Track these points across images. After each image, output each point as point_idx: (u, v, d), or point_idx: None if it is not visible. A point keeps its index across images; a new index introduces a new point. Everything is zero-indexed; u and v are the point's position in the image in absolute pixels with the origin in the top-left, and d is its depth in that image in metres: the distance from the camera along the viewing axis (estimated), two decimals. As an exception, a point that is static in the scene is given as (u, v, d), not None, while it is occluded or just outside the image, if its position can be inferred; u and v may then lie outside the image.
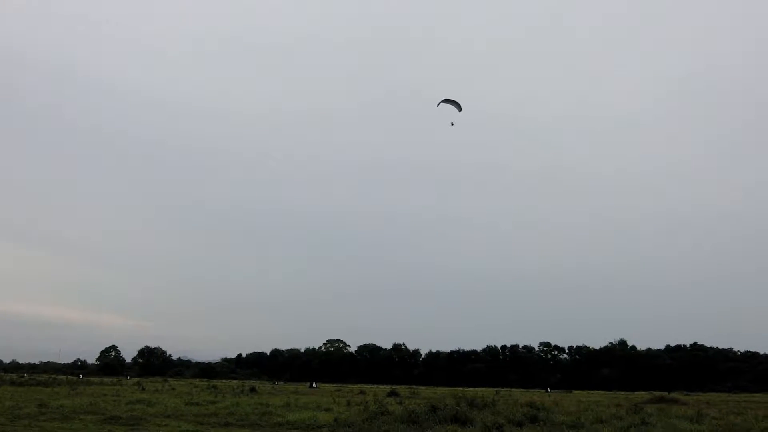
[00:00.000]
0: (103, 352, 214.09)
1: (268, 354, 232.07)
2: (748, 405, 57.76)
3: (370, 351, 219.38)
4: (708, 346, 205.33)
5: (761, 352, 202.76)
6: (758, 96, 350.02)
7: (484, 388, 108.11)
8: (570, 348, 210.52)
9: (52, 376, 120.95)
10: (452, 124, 50.33)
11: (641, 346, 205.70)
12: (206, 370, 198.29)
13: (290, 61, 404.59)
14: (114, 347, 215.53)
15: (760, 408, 50.96)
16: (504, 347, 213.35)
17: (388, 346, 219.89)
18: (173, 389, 70.24)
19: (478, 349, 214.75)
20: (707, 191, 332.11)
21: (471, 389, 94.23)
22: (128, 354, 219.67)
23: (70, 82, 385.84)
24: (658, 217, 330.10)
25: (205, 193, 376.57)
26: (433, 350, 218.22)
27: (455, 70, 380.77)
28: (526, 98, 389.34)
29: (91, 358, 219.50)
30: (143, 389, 67.70)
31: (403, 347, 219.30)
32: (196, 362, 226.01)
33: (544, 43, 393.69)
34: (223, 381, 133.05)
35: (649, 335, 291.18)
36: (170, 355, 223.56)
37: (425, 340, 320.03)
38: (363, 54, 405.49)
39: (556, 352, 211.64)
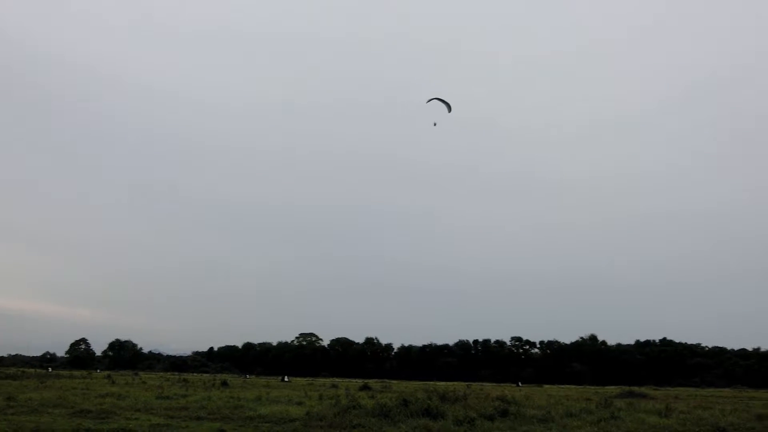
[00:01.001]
0: (72, 345, 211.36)
1: (240, 348, 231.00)
2: (715, 400, 58.68)
3: (342, 345, 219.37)
4: (677, 341, 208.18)
5: (728, 348, 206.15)
6: (734, 105, 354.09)
7: (456, 382, 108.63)
8: (541, 343, 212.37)
9: (21, 369, 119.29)
10: (435, 124, 50.28)
11: (611, 342, 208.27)
12: (177, 364, 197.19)
13: (278, 54, 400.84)
14: (84, 340, 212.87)
15: (727, 403, 51.77)
16: (476, 342, 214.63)
17: (360, 340, 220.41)
18: (144, 383, 69.65)
19: (451, 343, 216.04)
20: (679, 196, 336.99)
21: (443, 383, 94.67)
22: (98, 347, 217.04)
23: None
24: (630, 219, 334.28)
25: (178, 182, 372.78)
26: (406, 344, 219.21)
27: (442, 71, 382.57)
28: (506, 104, 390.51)
29: (61, 351, 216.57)
30: (113, 383, 67.08)
31: (375, 341, 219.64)
32: (167, 356, 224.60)
33: (530, 49, 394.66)
34: (195, 374, 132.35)
35: (619, 331, 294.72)
36: (141, 348, 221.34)
37: (398, 335, 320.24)
38: (349, 49, 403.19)
39: (527, 347, 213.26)
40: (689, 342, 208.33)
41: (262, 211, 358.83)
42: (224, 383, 68.19)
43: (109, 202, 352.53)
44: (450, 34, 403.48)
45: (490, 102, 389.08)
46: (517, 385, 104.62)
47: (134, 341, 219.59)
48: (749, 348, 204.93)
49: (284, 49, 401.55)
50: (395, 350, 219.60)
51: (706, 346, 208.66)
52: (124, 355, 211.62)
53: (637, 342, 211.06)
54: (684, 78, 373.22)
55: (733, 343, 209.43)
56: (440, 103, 48.67)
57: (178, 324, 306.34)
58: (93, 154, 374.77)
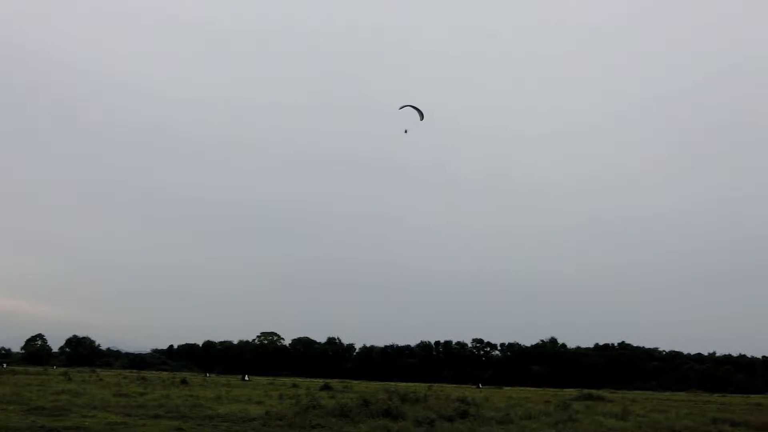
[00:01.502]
0: (28, 340, 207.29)
1: (201, 346, 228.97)
2: (671, 403, 59.62)
3: (304, 344, 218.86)
4: (635, 345, 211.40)
5: (684, 352, 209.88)
6: (707, 115, 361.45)
7: (417, 383, 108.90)
8: (502, 345, 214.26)
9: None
10: (405, 132, 50.36)
11: (571, 345, 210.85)
12: (136, 361, 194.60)
13: (241, 49, 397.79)
14: (40, 336, 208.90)
15: (683, 406, 52.69)
16: (437, 343, 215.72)
17: (322, 339, 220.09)
18: (101, 380, 68.75)
19: (412, 344, 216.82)
20: (638, 202, 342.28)
21: (404, 384, 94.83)
22: (55, 343, 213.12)
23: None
24: (591, 225, 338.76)
25: (132, 175, 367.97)
26: (368, 345, 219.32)
27: (406, 71, 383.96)
28: (471, 105, 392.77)
29: (16, 347, 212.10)
30: (70, 379, 66.01)
31: (337, 341, 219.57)
32: (125, 353, 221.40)
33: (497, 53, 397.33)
34: (154, 372, 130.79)
35: (578, 334, 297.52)
36: (99, 345, 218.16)
37: (360, 335, 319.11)
38: (316, 47, 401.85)
39: (488, 349, 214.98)
40: (647, 346, 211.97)
41: (224, 208, 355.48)
42: (183, 381, 67.59)
43: (62, 197, 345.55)
44: (416, 34, 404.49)
45: (456, 102, 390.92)
46: (478, 387, 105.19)
47: (92, 338, 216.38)
48: (705, 353, 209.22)
49: (244, 43, 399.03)
50: (357, 350, 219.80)
51: (663, 351, 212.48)
52: (81, 352, 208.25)
53: (596, 345, 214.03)
54: (646, 87, 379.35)
55: (689, 348, 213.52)
56: (413, 110, 48.75)
57: (137, 321, 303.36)
58: (44, 154, 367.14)
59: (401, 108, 48.90)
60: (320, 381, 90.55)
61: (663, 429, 29.91)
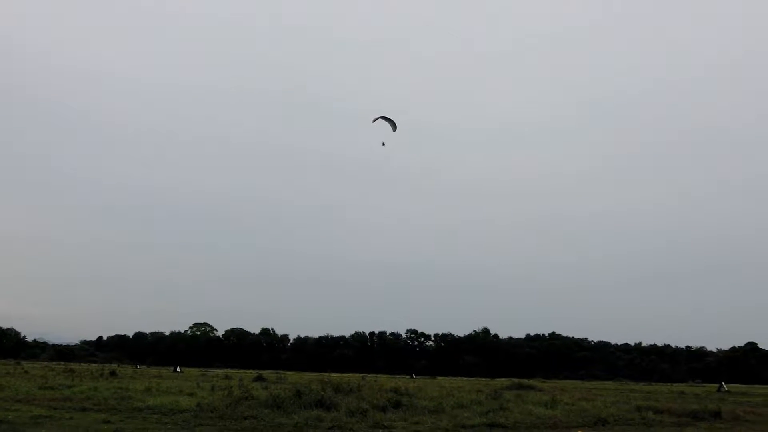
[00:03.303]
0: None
1: (131, 337, 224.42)
2: (598, 392, 61.24)
3: (237, 335, 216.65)
4: (564, 335, 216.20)
5: (612, 342, 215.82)
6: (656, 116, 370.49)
7: (351, 374, 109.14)
8: (436, 335, 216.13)
9: None
10: (383, 144, 50.11)
11: (503, 335, 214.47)
12: (63, 353, 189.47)
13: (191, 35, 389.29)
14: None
15: (610, 395, 54.20)
16: (372, 333, 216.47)
17: (256, 330, 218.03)
18: (26, 372, 66.70)
19: (347, 335, 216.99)
20: (575, 200, 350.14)
21: (338, 374, 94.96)
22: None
23: None
24: (526, 221, 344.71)
25: (54, 161, 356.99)
26: (302, 335, 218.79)
27: (350, 64, 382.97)
28: (416, 100, 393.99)
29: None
30: (-7, 372, 64.09)
31: (271, 332, 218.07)
32: (52, 344, 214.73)
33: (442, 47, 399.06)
34: (82, 364, 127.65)
35: (510, 324, 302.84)
36: (24, 336, 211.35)
37: (294, 325, 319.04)
38: (259, 37, 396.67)
39: (422, 339, 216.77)
40: (576, 336, 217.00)
41: (157, 196, 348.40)
42: (113, 373, 66.21)
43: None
44: (363, 27, 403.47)
45: (401, 97, 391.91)
46: (411, 377, 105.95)
47: (17, 329, 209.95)
48: (631, 343, 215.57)
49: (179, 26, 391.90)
50: (291, 341, 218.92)
51: (592, 341, 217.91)
52: (5, 344, 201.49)
53: (528, 336, 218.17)
54: (593, 89, 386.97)
55: (616, 338, 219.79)
56: (385, 122, 48.59)
57: (65, 312, 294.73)
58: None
59: (374, 120, 48.72)
60: (254, 372, 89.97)
61: (590, 417, 30.68)
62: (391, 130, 48.73)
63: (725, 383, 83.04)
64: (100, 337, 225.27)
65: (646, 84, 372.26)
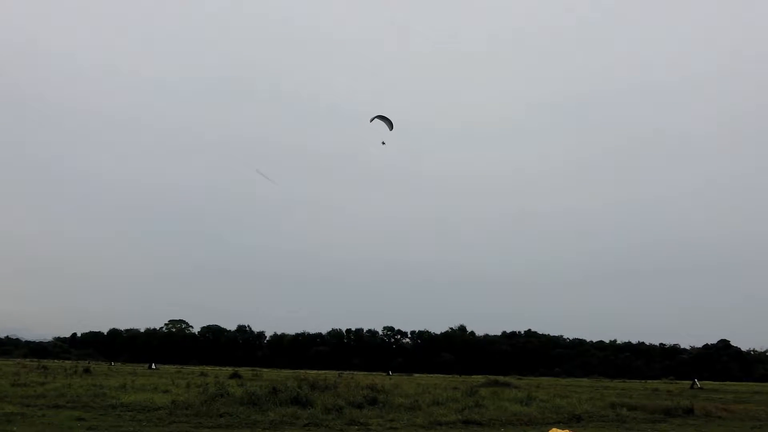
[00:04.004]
0: None
1: (106, 334, 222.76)
2: (573, 389, 61.65)
3: (213, 332, 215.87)
4: (540, 333, 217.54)
5: (587, 340, 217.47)
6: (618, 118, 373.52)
7: (327, 371, 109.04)
8: (412, 333, 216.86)
9: None
10: (383, 143, 50.19)
11: (479, 332, 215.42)
12: (37, 350, 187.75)
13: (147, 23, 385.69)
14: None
15: (584, 392, 54.52)
16: (349, 331, 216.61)
17: (232, 327, 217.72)
18: (-1, 369, 66.08)
19: (324, 332, 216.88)
20: (551, 198, 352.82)
21: (314, 372, 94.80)
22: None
23: None
24: (501, 219, 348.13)
25: (39, 157, 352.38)
26: (278, 333, 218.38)
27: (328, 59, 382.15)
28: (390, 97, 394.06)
29: None
30: (-36, 369, 63.27)
31: (247, 329, 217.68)
32: (26, 341, 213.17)
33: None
34: (56, 361, 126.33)
35: (487, 322, 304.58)
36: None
37: (270, 323, 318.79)
38: (213, 28, 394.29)
39: (399, 337, 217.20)
40: (552, 334, 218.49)
41: (128, 190, 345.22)
42: (87, 370, 65.69)
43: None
44: (326, 21, 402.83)
45: (373, 93, 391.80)
46: (388, 374, 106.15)
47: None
48: (606, 340, 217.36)
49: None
50: (268, 338, 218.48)
51: (568, 338, 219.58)
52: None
53: (504, 333, 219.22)
54: (553, 89, 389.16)
55: (591, 336, 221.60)
56: (383, 121, 48.59)
57: (39, 308, 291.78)
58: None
59: (371, 120, 48.75)
60: (230, 369, 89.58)
61: (564, 414, 30.90)
62: (388, 129, 48.88)
63: (698, 380, 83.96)
64: (74, 334, 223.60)
65: (619, 84, 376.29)
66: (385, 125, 48.29)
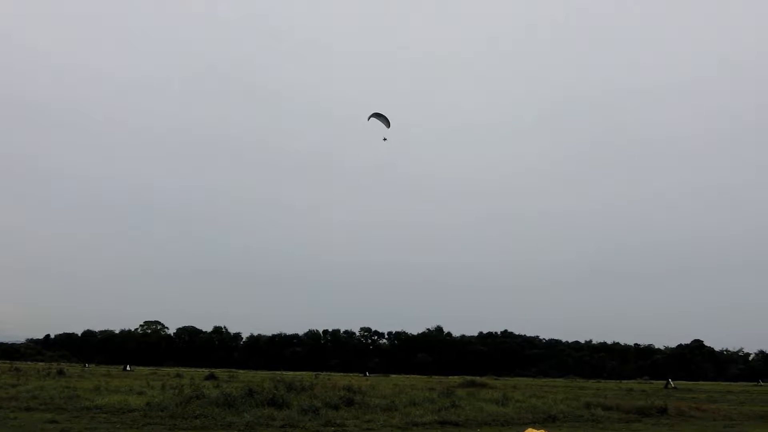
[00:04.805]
0: None
1: (80, 335, 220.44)
2: (549, 389, 62.06)
3: (189, 333, 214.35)
4: (516, 333, 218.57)
5: (563, 340, 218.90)
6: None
7: (304, 372, 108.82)
8: (389, 333, 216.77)
9: None
10: (385, 140, 50.51)
11: (456, 333, 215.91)
12: (9, 352, 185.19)
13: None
14: None
15: (560, 392, 54.90)
16: (326, 331, 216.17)
17: (208, 328, 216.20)
18: (-30, 371, 65.23)
19: (300, 333, 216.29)
20: (524, 200, 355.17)
21: (291, 373, 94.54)
22: None
23: None
24: (476, 221, 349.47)
25: (15, 155, 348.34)
26: (255, 334, 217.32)
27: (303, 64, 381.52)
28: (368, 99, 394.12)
29: None
30: (-66, 371, 62.37)
31: (223, 330, 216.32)
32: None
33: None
34: (28, 363, 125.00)
35: (463, 322, 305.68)
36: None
37: (247, 324, 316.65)
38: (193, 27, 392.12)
39: (375, 337, 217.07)
40: (528, 334, 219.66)
41: (100, 190, 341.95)
42: (60, 372, 64.99)
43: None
44: (304, 22, 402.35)
45: (350, 95, 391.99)
46: (365, 375, 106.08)
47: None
48: (582, 341, 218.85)
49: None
50: (244, 339, 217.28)
51: (543, 339, 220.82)
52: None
53: (480, 334, 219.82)
54: (553, 91, 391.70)
55: (567, 336, 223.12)
56: (380, 120, 48.74)
57: (11, 309, 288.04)
58: None
59: (369, 118, 48.98)
60: (205, 371, 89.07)
61: (540, 414, 31.07)
62: (385, 126, 49.19)
63: (672, 380, 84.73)
64: (48, 336, 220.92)
65: (594, 90, 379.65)
66: (382, 124, 48.68)
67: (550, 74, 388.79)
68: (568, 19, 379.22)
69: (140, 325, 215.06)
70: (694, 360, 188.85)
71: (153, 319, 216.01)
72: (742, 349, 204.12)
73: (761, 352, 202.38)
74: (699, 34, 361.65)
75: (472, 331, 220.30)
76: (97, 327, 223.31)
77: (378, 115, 48.73)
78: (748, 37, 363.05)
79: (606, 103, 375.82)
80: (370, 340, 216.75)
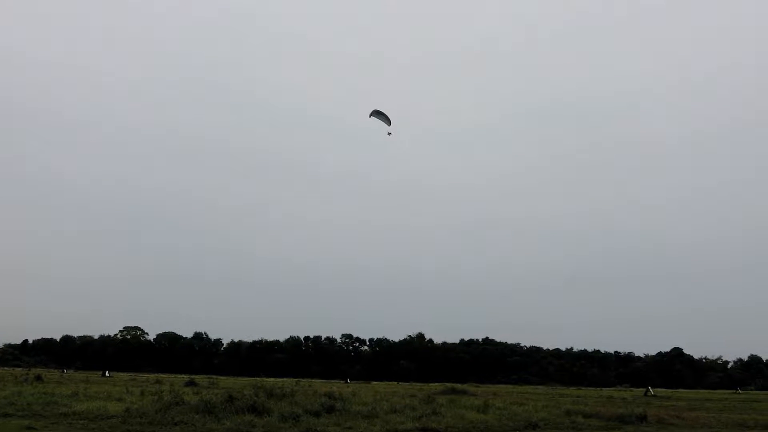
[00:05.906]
0: None
1: (58, 340, 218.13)
2: (530, 396, 62.21)
3: (169, 339, 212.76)
4: (498, 340, 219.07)
5: (544, 347, 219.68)
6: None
7: (285, 379, 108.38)
8: (371, 340, 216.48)
9: None
10: (389, 134, 50.83)
11: (438, 340, 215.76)
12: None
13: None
14: None
15: (541, 399, 55.07)
16: (307, 338, 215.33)
17: (188, 334, 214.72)
18: (-54, 377, 64.45)
19: (281, 339, 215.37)
20: (503, 206, 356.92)
21: (272, 379, 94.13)
22: None
23: None
24: (452, 227, 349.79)
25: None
26: (236, 340, 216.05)
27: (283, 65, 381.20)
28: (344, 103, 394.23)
29: None
30: None
31: (204, 336, 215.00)
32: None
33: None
34: (6, 369, 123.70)
35: (445, 329, 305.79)
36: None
37: (227, 330, 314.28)
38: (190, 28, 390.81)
39: (357, 344, 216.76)
40: (509, 341, 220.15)
41: (81, 192, 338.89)
42: (38, 378, 64.29)
43: None
44: (289, 21, 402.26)
45: (327, 100, 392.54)
46: (346, 382, 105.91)
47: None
48: (563, 348, 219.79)
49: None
50: (225, 345, 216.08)
51: (524, 346, 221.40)
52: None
53: (462, 341, 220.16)
54: (530, 95, 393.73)
55: (548, 344, 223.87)
56: (380, 119, 48.93)
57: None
58: None
59: (370, 116, 49.24)
60: (185, 377, 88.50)
61: (521, 421, 31.12)
62: (386, 124, 49.48)
63: (652, 387, 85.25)
64: (26, 341, 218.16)
65: (581, 92, 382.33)
66: (382, 122, 48.96)
67: (535, 79, 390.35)
68: (567, 21, 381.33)
69: (120, 331, 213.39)
70: (674, 368, 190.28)
71: (133, 325, 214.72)
72: (720, 357, 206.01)
73: (740, 360, 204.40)
74: (699, 35, 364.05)
75: (454, 338, 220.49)
76: (76, 332, 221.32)
77: (378, 113, 49.01)
78: (748, 39, 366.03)
79: (592, 107, 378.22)
80: (351, 347, 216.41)
